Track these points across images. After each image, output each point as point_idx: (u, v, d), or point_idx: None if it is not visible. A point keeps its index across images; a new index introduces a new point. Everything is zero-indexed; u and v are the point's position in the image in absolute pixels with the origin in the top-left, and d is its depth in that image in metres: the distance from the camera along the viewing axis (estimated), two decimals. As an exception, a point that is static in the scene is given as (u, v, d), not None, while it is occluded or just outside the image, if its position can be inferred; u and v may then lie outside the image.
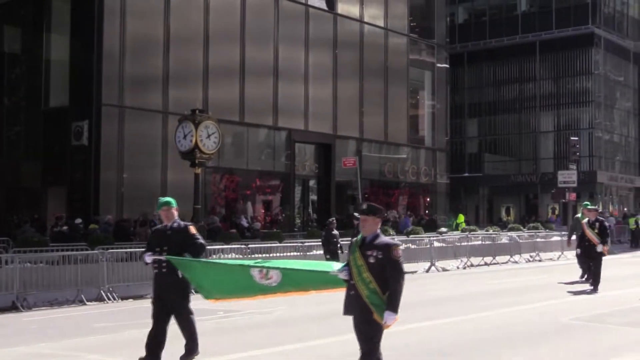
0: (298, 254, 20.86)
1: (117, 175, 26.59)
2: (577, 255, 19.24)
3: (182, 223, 8.80)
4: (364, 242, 6.85)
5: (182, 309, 8.56)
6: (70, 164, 26.77)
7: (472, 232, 30.86)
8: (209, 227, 24.09)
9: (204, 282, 8.31)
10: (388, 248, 6.75)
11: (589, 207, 19.09)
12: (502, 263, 27.84)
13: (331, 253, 20.66)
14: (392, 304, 6.72)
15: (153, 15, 28.28)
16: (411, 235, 28.20)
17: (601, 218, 18.64)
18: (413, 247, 25.95)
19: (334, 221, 22.04)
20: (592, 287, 17.62)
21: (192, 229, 8.75)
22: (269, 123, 32.46)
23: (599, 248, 17.75)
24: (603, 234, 17.88)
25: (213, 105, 27.93)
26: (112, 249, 17.88)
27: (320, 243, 21.55)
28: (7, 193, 28.93)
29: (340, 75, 35.72)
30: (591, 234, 17.88)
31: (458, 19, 56.06)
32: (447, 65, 43.93)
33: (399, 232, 30.89)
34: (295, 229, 32.27)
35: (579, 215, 18.76)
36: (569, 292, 17.49)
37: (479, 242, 28.62)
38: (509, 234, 31.61)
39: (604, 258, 18.10)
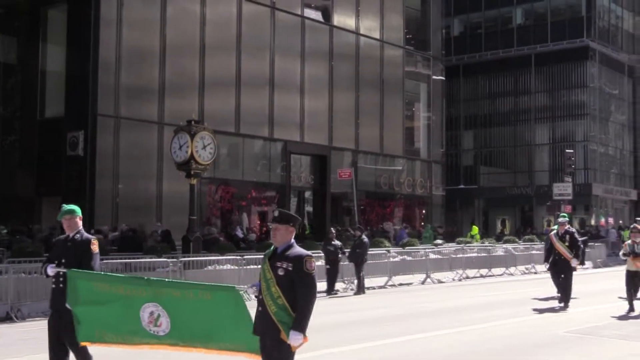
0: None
1: (112, 186, 26.57)
2: (548, 269, 17.86)
3: (85, 235, 7.91)
4: (275, 253, 6.21)
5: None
6: (66, 174, 26.74)
7: (467, 245, 30.87)
8: (205, 237, 24.08)
9: (85, 311, 7.27)
10: (300, 260, 6.06)
11: (560, 219, 17.73)
12: (498, 275, 27.88)
13: (331, 263, 20.82)
14: (299, 323, 5.96)
15: (149, 25, 28.34)
16: (407, 247, 28.21)
17: (571, 230, 17.67)
18: (409, 259, 25.97)
19: (334, 232, 22.20)
20: (562, 304, 16.78)
21: (94, 245, 7.83)
22: (264, 134, 32.48)
23: (574, 263, 16.91)
24: (574, 246, 17.01)
25: (209, 116, 27.95)
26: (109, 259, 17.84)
27: (317, 254, 21.63)
28: (0, 203, 28.86)
29: (336, 87, 35.80)
30: (561, 247, 16.98)
31: (454, 31, 56.25)
32: (443, 78, 44.04)
33: (396, 244, 30.92)
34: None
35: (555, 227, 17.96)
36: (543, 308, 17.02)
37: (475, 254, 28.64)
38: (504, 246, 31.64)
39: (577, 272, 17.46)
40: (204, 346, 6.76)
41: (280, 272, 6.06)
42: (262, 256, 6.60)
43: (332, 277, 21.09)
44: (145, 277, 7.34)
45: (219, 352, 6.76)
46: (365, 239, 22.11)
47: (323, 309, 17.77)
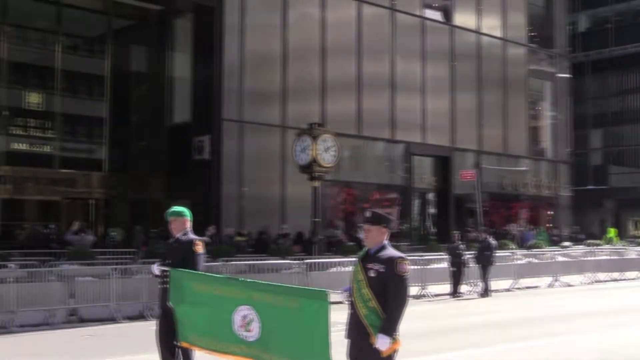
0: (417, 267, 20.74)
1: (237, 189, 27.16)
2: None
3: (190, 236, 8.03)
4: (367, 255, 6.08)
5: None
6: (193, 178, 27.56)
7: (597, 247, 29.82)
8: (329, 239, 24.36)
9: (184, 311, 7.39)
10: (392, 261, 5.90)
11: None
12: (631, 279, 26.78)
13: (456, 266, 20.65)
14: (387, 326, 5.78)
15: (271, 31, 28.84)
16: (533, 250, 27.53)
17: None
18: (535, 261, 25.35)
19: (459, 234, 22.01)
20: None
21: (198, 245, 7.95)
22: (386, 136, 32.47)
23: None
24: None
25: (330, 119, 28.19)
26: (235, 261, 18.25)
27: (440, 257, 21.51)
28: (133, 206, 30.02)
29: (457, 87, 35.38)
30: None
31: (580, 27, 54.50)
32: (569, 75, 42.76)
33: (521, 246, 30.25)
34: (414, 242, 32.12)
35: None
36: None
37: (606, 257, 27.63)
38: (637, 248, 30.36)
39: None
40: None
41: (372, 274, 5.92)
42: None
43: (456, 279, 20.87)
44: (241, 278, 7.34)
45: None
46: (492, 241, 21.80)
47: (448, 311, 17.59)
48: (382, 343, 5.75)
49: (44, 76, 28.40)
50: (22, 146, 27.46)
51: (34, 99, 27.64)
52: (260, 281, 7.26)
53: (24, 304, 14.65)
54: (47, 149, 28.01)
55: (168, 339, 7.78)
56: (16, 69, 27.82)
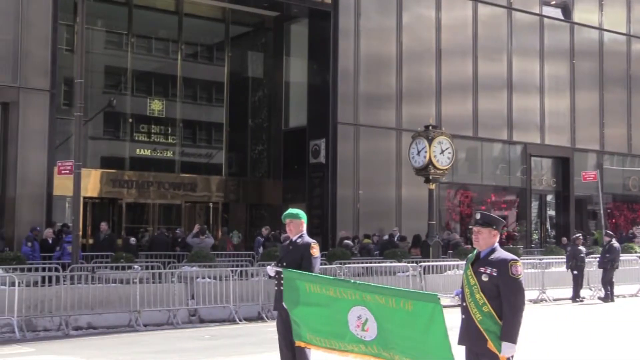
0: (536, 270, 20.30)
1: (353, 192, 27.29)
2: None
3: (306, 239, 8.09)
4: (478, 258, 6.00)
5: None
6: (309, 181, 27.89)
7: None
8: (447, 242, 24.22)
9: (298, 311, 7.44)
10: (505, 264, 5.81)
11: None
12: None
13: (578, 269, 20.11)
14: (509, 332, 5.68)
15: (386, 34, 28.83)
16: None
17: None
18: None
19: (581, 237, 21.46)
20: None
21: (314, 248, 8.00)
22: (503, 137, 31.90)
23: None
24: None
25: (446, 121, 27.94)
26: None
27: (560, 260, 21.01)
28: (250, 210, 30.67)
29: (578, 86, 34.37)
30: None
31: None
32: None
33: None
34: (533, 245, 31.41)
35: None
36: None
37: None
38: None
39: None
40: None
41: (484, 278, 5.84)
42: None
43: (577, 283, 20.31)
44: (352, 280, 7.32)
45: None
46: (615, 244, 21.15)
47: (568, 316, 17.14)
48: (507, 351, 5.67)
49: (165, 84, 29.44)
50: (145, 152, 28.52)
51: (156, 105, 28.68)
52: (371, 283, 7.31)
53: (148, 304, 15.22)
54: (169, 154, 29.01)
55: (288, 338, 7.83)
56: (140, 77, 28.98)
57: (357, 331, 6.75)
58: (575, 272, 20.21)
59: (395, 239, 24.54)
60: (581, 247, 20.74)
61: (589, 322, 15.58)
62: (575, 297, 20.19)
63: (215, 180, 29.62)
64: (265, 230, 23.72)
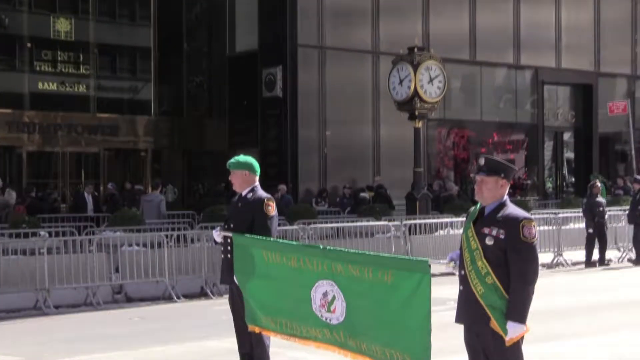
0: (550, 228, 20.57)
1: (318, 133, 27.33)
2: None
3: (258, 194, 8.05)
4: (482, 215, 5.91)
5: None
6: (262, 120, 27.83)
7: None
8: (437, 194, 24.42)
9: (252, 287, 7.52)
10: (515, 224, 5.71)
11: None
12: None
13: (598, 227, 20.26)
14: (516, 310, 5.67)
15: None
16: None
17: None
18: None
19: (598, 184, 21.62)
20: None
21: (269, 205, 7.96)
22: (508, 60, 32.06)
23: None
24: None
25: (436, 42, 27.99)
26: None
27: (580, 214, 21.23)
28: (189, 158, 30.57)
29: (603, -7, 34.60)
30: None
31: None
32: None
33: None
34: (546, 197, 31.81)
35: None
36: None
37: None
38: None
39: None
40: (372, 355, 6.50)
41: (489, 241, 5.76)
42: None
43: (601, 243, 20.57)
44: (322, 246, 7.37)
45: None
46: (648, 193, 21.40)
47: (590, 283, 17.46)
48: (513, 332, 5.67)
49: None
50: (50, 86, 28.19)
51: (62, 25, 28.23)
52: (345, 249, 7.36)
53: (59, 281, 15.12)
54: (81, 88, 28.74)
55: (243, 319, 7.85)
56: None
57: (322, 312, 6.84)
58: (590, 230, 20.31)
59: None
60: (600, 199, 20.93)
61: (617, 289, 15.86)
62: (602, 260, 20.44)
63: (143, 122, 29.49)
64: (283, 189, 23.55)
